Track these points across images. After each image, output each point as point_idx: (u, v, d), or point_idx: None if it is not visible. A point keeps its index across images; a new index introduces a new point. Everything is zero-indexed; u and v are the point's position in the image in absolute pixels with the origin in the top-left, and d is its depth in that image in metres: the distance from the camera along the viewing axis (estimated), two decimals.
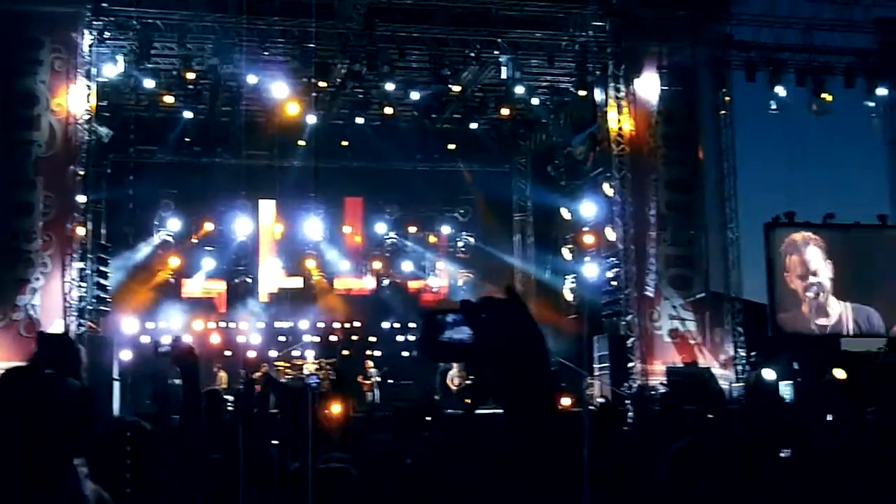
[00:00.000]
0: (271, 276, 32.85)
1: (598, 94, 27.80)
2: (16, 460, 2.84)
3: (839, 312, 27.08)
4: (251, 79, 26.50)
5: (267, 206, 32.76)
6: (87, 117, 24.70)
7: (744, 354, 26.78)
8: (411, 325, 31.27)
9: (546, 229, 33.55)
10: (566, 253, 31.95)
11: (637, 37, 26.86)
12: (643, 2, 26.84)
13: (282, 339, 31.82)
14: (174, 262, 31.66)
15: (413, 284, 34.26)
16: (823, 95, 28.10)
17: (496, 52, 26.55)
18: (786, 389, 23.91)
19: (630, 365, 25.91)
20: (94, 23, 24.68)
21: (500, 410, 2.33)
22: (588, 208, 30.32)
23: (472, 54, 26.58)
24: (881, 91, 28.94)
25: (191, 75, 26.30)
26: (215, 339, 30.93)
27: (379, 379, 28.32)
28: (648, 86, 27.06)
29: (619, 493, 4.36)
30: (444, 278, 34.76)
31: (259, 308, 32.11)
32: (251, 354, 30.36)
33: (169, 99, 28.11)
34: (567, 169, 31.80)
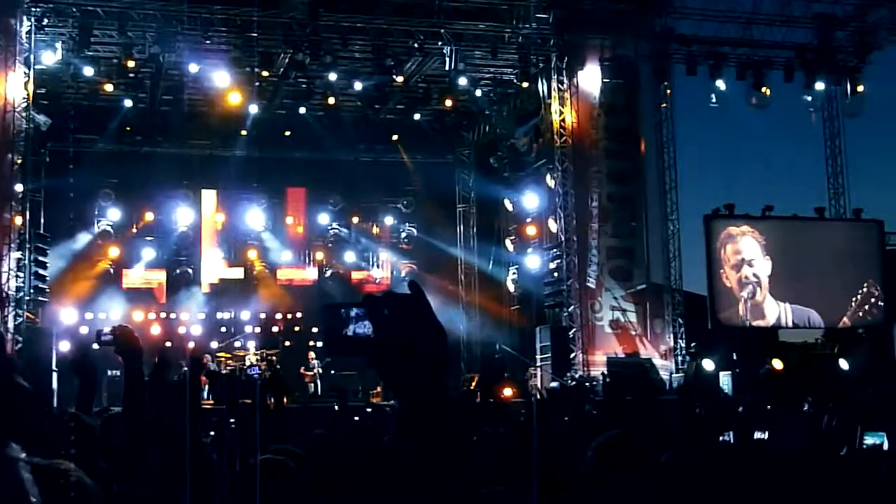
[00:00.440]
0: (212, 266, 32.63)
1: (542, 87, 27.90)
2: None
3: (777, 313, 27.35)
4: (193, 67, 26.26)
5: (208, 196, 32.53)
6: (24, 105, 24.38)
7: (684, 345, 27.07)
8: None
9: (489, 220, 33.64)
10: (509, 244, 32.09)
11: (580, 29, 27.00)
12: None
13: (223, 329, 31.67)
14: (114, 252, 31.40)
15: (356, 275, 34.24)
16: (763, 89, 28.42)
17: (440, 44, 26.54)
18: (725, 380, 24.20)
19: (572, 356, 26.06)
20: (33, 9, 24.35)
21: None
22: (531, 200, 30.48)
23: (416, 45, 26.55)
24: (819, 85, 29.35)
25: (131, 63, 25.99)
26: (156, 329, 30.69)
27: (321, 370, 28.24)
28: (591, 78, 27.23)
29: (543, 484, 4.38)
30: (386, 269, 34.75)
31: (200, 298, 31.89)
32: (192, 345, 30.17)
33: (109, 87, 27.79)
34: (510, 160, 31.92)
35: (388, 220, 34.54)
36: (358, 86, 28.26)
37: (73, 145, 30.80)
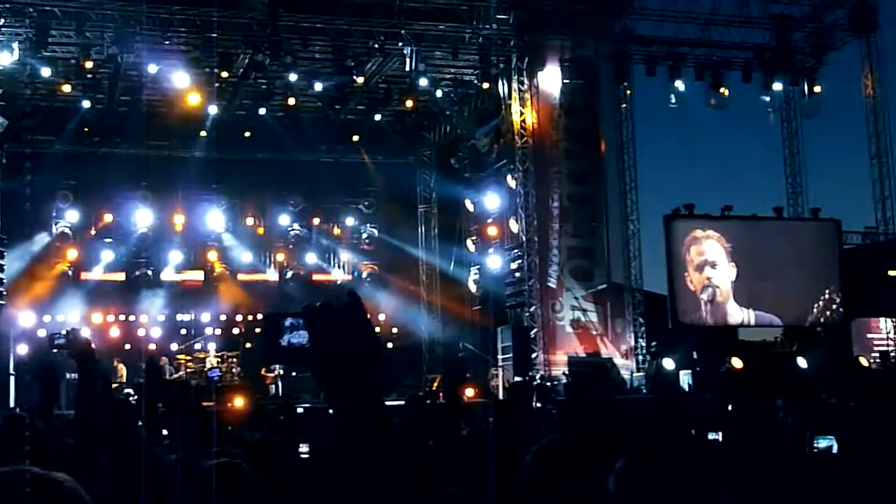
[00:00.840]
0: (173, 268, 32.40)
1: (502, 87, 27.95)
2: None
3: (740, 320, 27.46)
4: (152, 68, 26.07)
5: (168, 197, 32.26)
6: None
7: (644, 345, 27.20)
8: None
9: (450, 221, 33.62)
10: (470, 244, 32.10)
11: (540, 30, 27.06)
12: None
13: (183, 331, 31.49)
14: (72, 254, 31.13)
15: (317, 276, 34.11)
16: (721, 90, 28.62)
17: (400, 44, 26.52)
18: (685, 379, 24.32)
19: (533, 356, 26.11)
20: None
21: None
22: (492, 200, 30.51)
23: (376, 46, 26.50)
24: (777, 86, 29.61)
25: (89, 64, 25.79)
26: (115, 332, 30.49)
27: (282, 372, 28.12)
28: (551, 79, 27.30)
29: (487, 488, 4.38)
30: (348, 270, 34.68)
31: (160, 300, 31.67)
32: (152, 347, 30.02)
33: (67, 88, 27.55)
34: (471, 161, 31.93)
35: (350, 221, 34.46)
36: (318, 86, 28.18)
37: (30, 146, 30.58)
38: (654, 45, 28.05)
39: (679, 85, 28.41)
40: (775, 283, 27.76)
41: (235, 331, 31.76)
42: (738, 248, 27.67)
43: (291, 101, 28.77)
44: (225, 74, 27.08)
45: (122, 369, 26.97)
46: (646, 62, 28.08)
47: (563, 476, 3.68)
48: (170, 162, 31.30)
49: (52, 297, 30.15)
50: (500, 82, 28.00)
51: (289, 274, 33.68)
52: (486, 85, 28.29)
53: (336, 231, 34.52)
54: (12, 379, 22.59)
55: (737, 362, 24.27)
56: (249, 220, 33.25)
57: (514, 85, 27.24)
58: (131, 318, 31.36)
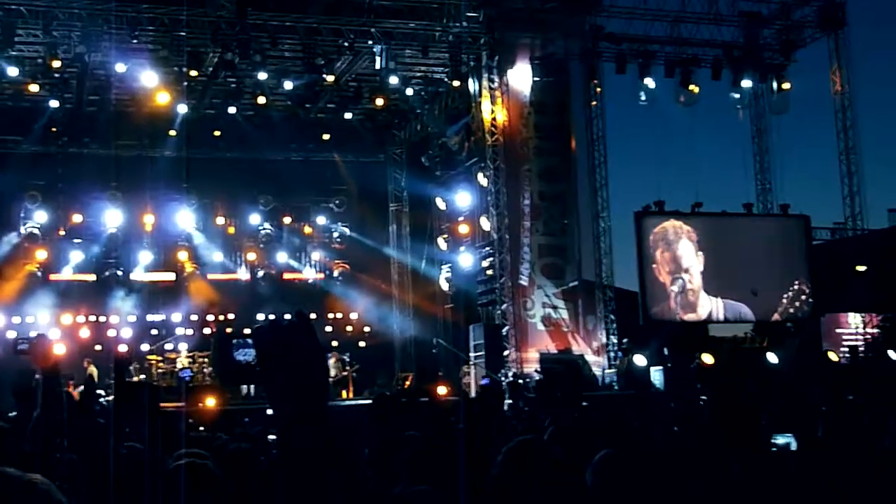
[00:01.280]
0: (143, 268, 32.22)
1: (472, 85, 27.93)
2: None
3: (709, 310, 27.63)
4: (120, 67, 25.88)
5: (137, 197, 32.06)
6: None
7: (616, 341, 27.27)
8: (286, 315, 31.04)
9: (421, 219, 33.59)
10: (441, 242, 32.09)
11: (510, 28, 27.09)
12: None
13: (154, 332, 31.34)
14: (41, 255, 30.86)
15: (288, 275, 34.02)
16: (691, 87, 28.73)
17: (370, 42, 26.47)
18: (656, 375, 24.42)
19: (505, 353, 26.12)
20: None
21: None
22: (463, 198, 30.51)
23: (346, 44, 26.43)
24: (746, 83, 29.75)
25: (57, 63, 25.57)
26: (85, 332, 30.31)
27: None
28: (521, 77, 27.32)
29: (470, 484, 4.37)
30: (319, 269, 34.60)
31: (130, 301, 31.50)
32: (123, 348, 29.86)
33: (34, 87, 27.29)
34: (442, 159, 31.92)
35: (321, 220, 34.36)
36: (288, 85, 28.08)
37: None
38: (623, 43, 28.12)
39: (649, 82, 28.49)
40: (745, 273, 27.96)
41: (207, 331, 31.62)
42: (708, 240, 27.88)
43: (261, 99, 28.64)
44: (194, 73, 26.97)
45: (93, 370, 26.80)
46: (616, 60, 28.15)
47: (535, 475, 3.68)
48: (139, 162, 31.16)
49: (21, 299, 29.93)
50: (470, 80, 27.99)
51: (260, 273, 33.56)
52: (456, 83, 28.28)
53: (307, 230, 34.41)
54: None
55: (707, 358, 24.45)
56: (220, 220, 33.09)
57: (485, 83, 27.25)
58: (101, 318, 31.19)
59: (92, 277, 31.69)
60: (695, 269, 27.57)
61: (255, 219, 33.30)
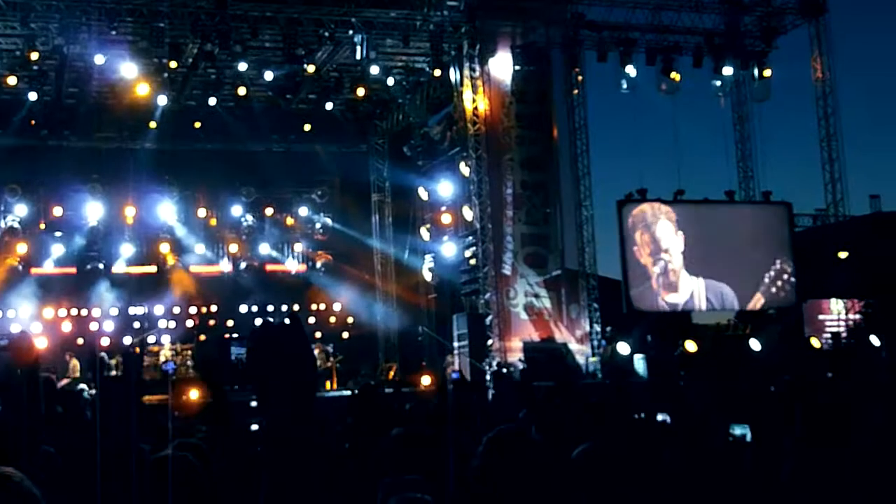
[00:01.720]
0: (124, 260, 32.08)
1: (454, 74, 27.87)
2: None
3: (691, 290, 27.68)
4: (99, 59, 25.72)
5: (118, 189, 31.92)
6: None
7: (599, 330, 27.31)
8: (269, 307, 30.96)
9: (404, 209, 33.54)
10: (424, 232, 32.07)
11: (491, 16, 27.04)
12: None
13: (137, 325, 31.23)
14: (22, 248, 30.69)
15: (271, 267, 33.92)
16: (672, 75, 28.71)
17: (350, 32, 26.35)
18: (639, 363, 24.48)
19: (489, 342, 26.13)
20: None
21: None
22: (445, 188, 30.49)
23: (326, 34, 26.34)
24: (727, 70, 29.75)
25: (35, 55, 25.42)
26: (67, 326, 30.19)
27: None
28: (502, 66, 27.28)
29: (442, 476, 4.35)
30: (301, 260, 34.52)
31: (112, 294, 31.36)
32: (105, 342, 29.78)
33: (12, 80, 27.09)
34: (424, 149, 31.88)
35: (303, 211, 34.23)
36: (269, 75, 27.97)
37: None
38: (604, 31, 28.07)
39: (630, 70, 28.47)
40: (726, 256, 28.06)
41: (189, 323, 31.56)
42: (689, 222, 27.94)
43: (242, 90, 28.52)
44: (174, 64, 26.79)
45: (75, 364, 26.68)
46: (597, 48, 28.10)
47: (516, 463, 3.66)
48: (119, 154, 31.01)
49: (2, 293, 29.78)
50: (451, 69, 27.91)
51: (242, 265, 33.44)
52: (437, 72, 28.21)
53: (289, 221, 34.29)
54: None
55: (690, 345, 24.53)
56: (201, 212, 32.93)
57: (466, 72, 27.19)
58: (83, 312, 31.03)
59: (73, 271, 31.53)
60: (675, 250, 27.62)
61: (236, 210, 33.15)
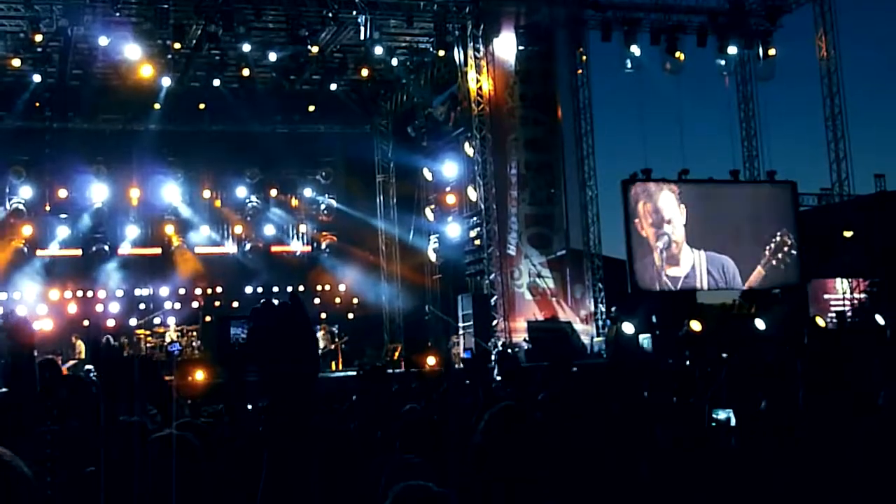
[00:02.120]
0: (129, 242, 32.13)
1: (458, 55, 27.82)
2: None
3: (692, 262, 27.66)
4: (103, 41, 25.70)
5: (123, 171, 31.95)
6: None
7: (604, 309, 27.34)
8: (274, 288, 31.01)
9: (408, 190, 33.53)
10: (429, 213, 32.05)
11: None
12: None
13: (142, 306, 31.31)
14: (27, 230, 30.73)
15: (275, 248, 33.96)
16: (677, 54, 28.64)
17: (354, 13, 26.29)
18: (644, 342, 24.51)
19: (494, 322, 26.17)
20: None
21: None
22: (450, 168, 30.47)
23: (330, 14, 26.29)
24: (732, 49, 29.68)
25: (39, 37, 25.40)
26: (73, 308, 30.27)
27: None
28: (507, 46, 27.22)
29: (440, 453, 4.38)
30: (306, 241, 34.55)
31: (117, 275, 31.43)
32: (111, 323, 29.88)
33: (16, 62, 27.12)
34: (428, 129, 31.83)
35: (307, 192, 34.24)
36: (273, 56, 27.96)
37: None
38: (609, 10, 28.02)
39: (634, 50, 28.41)
40: (728, 229, 28.08)
41: (195, 304, 31.63)
42: (691, 198, 27.92)
43: (246, 71, 28.52)
44: (178, 46, 26.76)
45: (81, 346, 26.77)
46: (601, 27, 28.05)
47: (517, 439, 3.69)
48: (124, 135, 31.01)
49: (7, 274, 29.84)
50: (455, 50, 27.88)
51: (247, 246, 33.50)
52: (441, 52, 28.12)
53: (294, 202, 34.32)
54: None
55: (696, 325, 24.54)
56: (206, 193, 32.96)
57: (470, 52, 27.14)
58: (89, 293, 31.11)
59: (78, 252, 31.58)
60: (677, 221, 27.62)
61: (241, 192, 33.19)
